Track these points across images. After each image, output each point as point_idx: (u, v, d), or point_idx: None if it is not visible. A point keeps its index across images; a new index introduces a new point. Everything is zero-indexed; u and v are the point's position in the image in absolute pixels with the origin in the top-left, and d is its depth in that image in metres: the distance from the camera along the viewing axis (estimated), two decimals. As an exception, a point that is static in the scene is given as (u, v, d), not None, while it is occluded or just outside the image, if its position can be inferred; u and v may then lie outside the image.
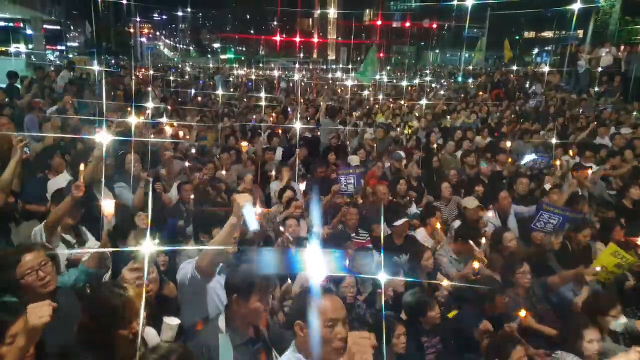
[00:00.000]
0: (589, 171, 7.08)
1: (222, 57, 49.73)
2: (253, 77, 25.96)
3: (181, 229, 5.29)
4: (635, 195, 6.51)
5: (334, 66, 38.90)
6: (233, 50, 58.82)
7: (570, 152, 8.65)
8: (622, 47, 16.89)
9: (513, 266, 4.45)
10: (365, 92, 18.40)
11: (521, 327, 3.99)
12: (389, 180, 7.32)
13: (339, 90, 19.98)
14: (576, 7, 17.62)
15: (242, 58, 47.26)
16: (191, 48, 62.96)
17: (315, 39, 47.17)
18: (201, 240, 3.63)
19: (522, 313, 3.86)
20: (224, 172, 7.08)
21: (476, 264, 4.47)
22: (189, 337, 2.91)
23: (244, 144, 8.04)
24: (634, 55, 15.16)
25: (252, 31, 59.50)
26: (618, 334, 3.92)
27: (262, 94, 12.57)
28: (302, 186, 6.69)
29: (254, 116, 11.91)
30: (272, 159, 8.06)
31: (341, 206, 5.91)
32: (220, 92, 13.93)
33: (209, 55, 49.66)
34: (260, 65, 35.55)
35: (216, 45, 60.46)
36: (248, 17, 65.33)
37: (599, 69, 15.71)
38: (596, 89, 15.78)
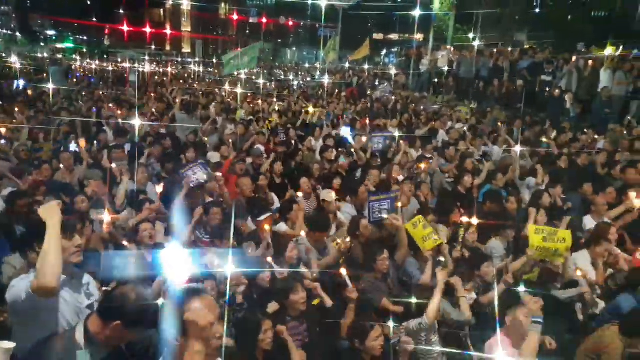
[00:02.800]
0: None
1: (59, 46, 44.42)
2: (97, 69, 23.76)
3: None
4: (467, 182, 7.40)
5: (189, 60, 37.44)
6: (72, 39, 52.83)
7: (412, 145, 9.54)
8: (454, 51, 19.14)
9: (374, 253, 4.74)
10: (226, 87, 18.05)
11: (379, 309, 4.31)
12: (251, 176, 7.22)
13: (195, 85, 19.26)
14: (416, 13, 19.81)
15: (84, 49, 42.73)
16: (18, 34, 54.58)
17: (168, 31, 44.70)
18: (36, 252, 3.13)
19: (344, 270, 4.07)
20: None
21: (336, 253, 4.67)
22: (41, 355, 2.51)
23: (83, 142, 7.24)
24: (464, 59, 17.28)
25: (94, 19, 54.04)
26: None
27: (108, 88, 11.45)
28: (158, 188, 6.22)
29: (99, 111, 10.81)
30: (122, 158, 7.37)
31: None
32: (52, 85, 12.31)
33: (42, 44, 43.94)
34: (106, 57, 32.58)
35: (50, 32, 53.72)
36: (89, 3, 59.16)
37: (437, 71, 17.63)
38: (434, 88, 17.73)
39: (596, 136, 10.87)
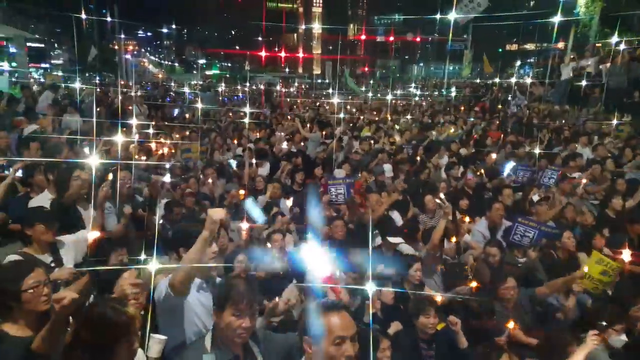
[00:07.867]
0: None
1: (207, 72, 49.74)
2: (239, 93, 26.07)
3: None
4: (617, 205, 6.57)
5: (319, 80, 39.16)
6: (218, 66, 58.96)
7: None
8: (602, 59, 17.18)
9: (497, 282, 4.48)
10: (352, 107, 18.56)
11: (509, 338, 4.00)
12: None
13: (326, 105, 20.07)
14: (557, 19, 17.97)
15: (227, 74, 47.36)
16: (176, 64, 62.91)
17: (301, 54, 47.45)
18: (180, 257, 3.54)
19: (511, 325, 3.84)
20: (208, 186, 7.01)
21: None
22: (172, 357, 2.84)
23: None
24: (613, 67, 15.46)
25: (237, 47, 59.64)
26: (615, 350, 3.75)
27: (247, 109, 12.53)
28: (289, 202, 6.62)
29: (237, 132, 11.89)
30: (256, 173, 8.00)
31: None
32: (201, 107, 13.82)
33: (194, 72, 49.77)
34: (247, 81, 35.77)
35: (201, 61, 60.64)
36: (233, 33, 65.63)
37: (584, 81, 15.91)
38: (578, 100, 16.06)
39: None
